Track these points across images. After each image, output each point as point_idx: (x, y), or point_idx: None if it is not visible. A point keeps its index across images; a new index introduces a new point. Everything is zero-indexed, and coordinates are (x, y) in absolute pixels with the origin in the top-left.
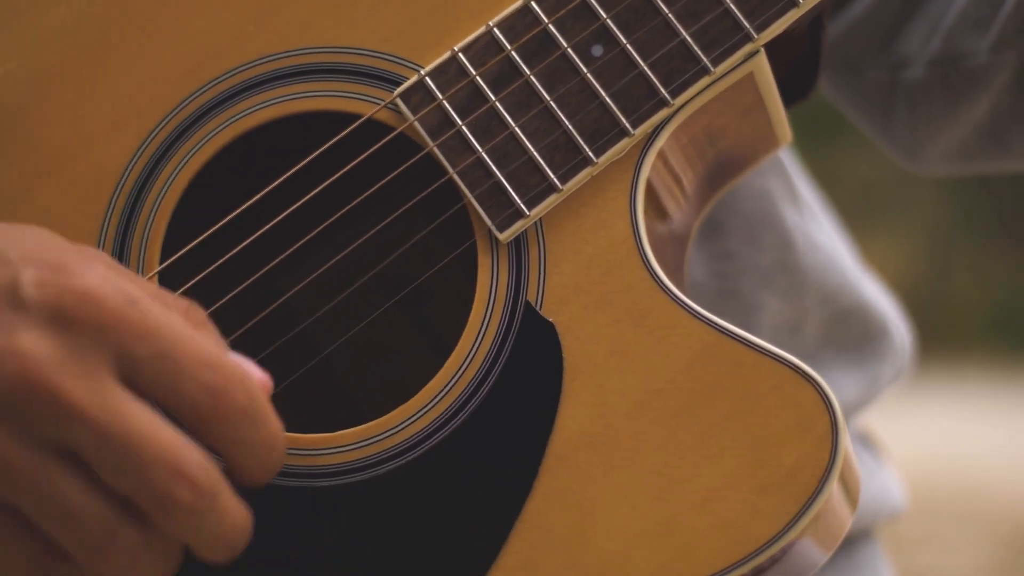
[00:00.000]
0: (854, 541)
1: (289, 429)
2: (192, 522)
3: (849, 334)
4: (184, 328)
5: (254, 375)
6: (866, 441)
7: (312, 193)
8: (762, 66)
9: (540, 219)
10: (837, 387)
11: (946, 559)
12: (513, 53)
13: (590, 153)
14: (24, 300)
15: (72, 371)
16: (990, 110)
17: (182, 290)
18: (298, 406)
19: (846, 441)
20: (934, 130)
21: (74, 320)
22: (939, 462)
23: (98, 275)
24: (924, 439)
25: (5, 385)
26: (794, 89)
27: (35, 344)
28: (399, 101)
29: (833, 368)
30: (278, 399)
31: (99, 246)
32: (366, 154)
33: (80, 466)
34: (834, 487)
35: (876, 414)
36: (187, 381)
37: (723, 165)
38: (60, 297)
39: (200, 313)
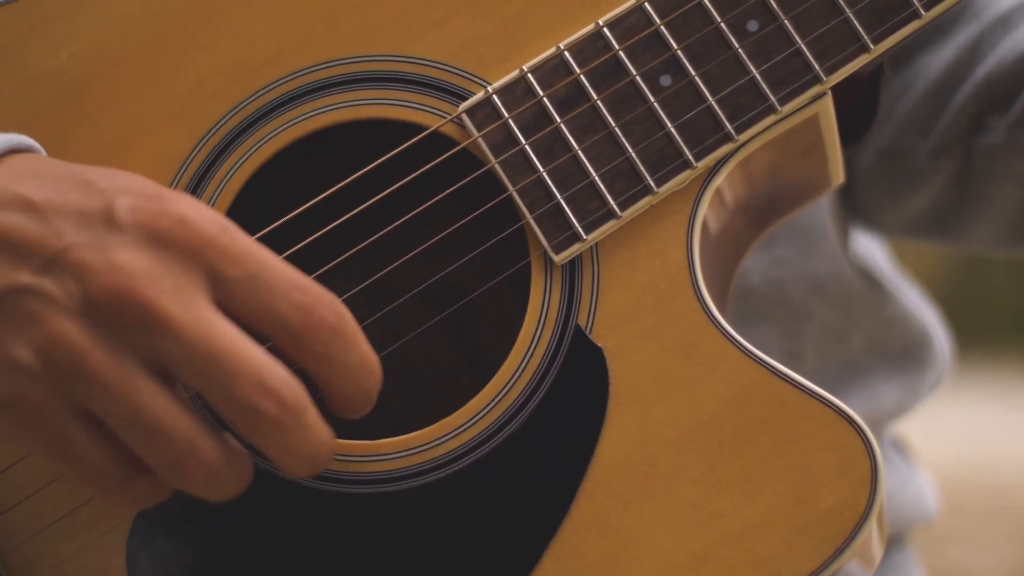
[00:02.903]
0: (887, 546)
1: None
2: (277, 436)
3: (893, 342)
4: (272, 254)
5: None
6: (899, 447)
7: (370, 202)
8: (827, 109)
9: (595, 244)
10: (878, 394)
11: (977, 556)
12: (582, 77)
13: (651, 182)
14: (120, 223)
15: (166, 286)
16: (933, 203)
17: None
18: None
19: (885, 486)
20: (882, 209)
21: (169, 241)
22: (971, 459)
23: (190, 204)
24: (957, 436)
25: (101, 297)
26: (849, 131)
27: (130, 259)
28: (464, 116)
29: (875, 375)
30: (322, 405)
31: None
32: (430, 165)
33: (167, 381)
34: (871, 530)
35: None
36: (278, 300)
37: (776, 202)
38: (156, 220)
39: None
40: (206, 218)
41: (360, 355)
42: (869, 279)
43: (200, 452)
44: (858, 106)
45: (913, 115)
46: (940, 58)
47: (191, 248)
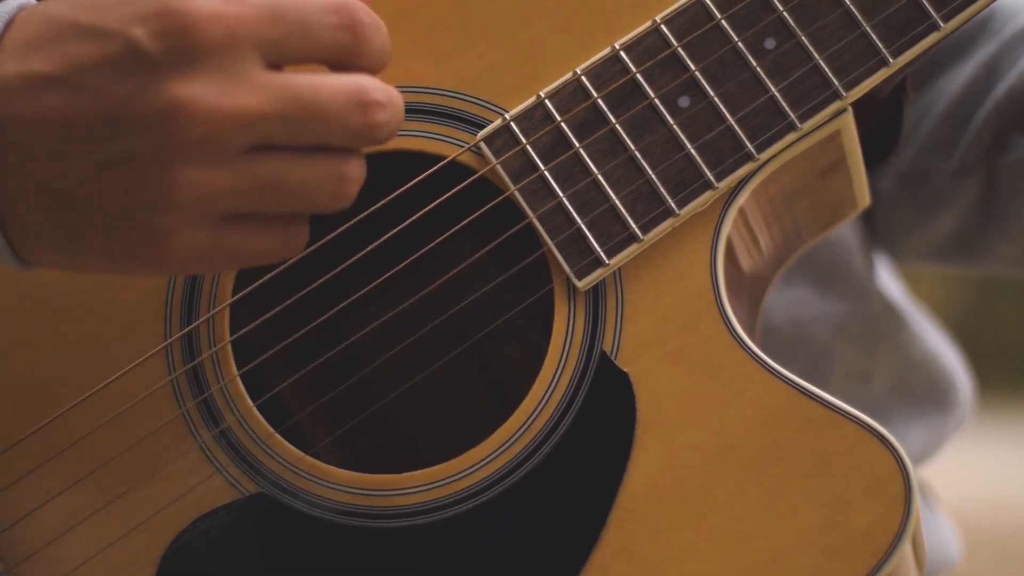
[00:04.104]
0: None
1: (353, 470)
2: (389, 131)
3: (917, 385)
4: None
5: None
6: (923, 494)
7: (390, 234)
8: (849, 125)
9: (619, 268)
10: (902, 438)
11: None
12: (599, 101)
13: (673, 204)
14: (151, 57)
15: (230, 89)
16: (957, 225)
17: (250, 327)
18: (363, 447)
19: (918, 505)
20: (905, 234)
21: (205, 47)
22: (985, 499)
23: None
24: (969, 476)
25: (187, 135)
26: (875, 152)
27: (186, 89)
28: (482, 144)
29: (899, 419)
30: (344, 440)
31: (170, 277)
32: (448, 194)
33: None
34: (905, 551)
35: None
36: (322, 31)
37: (801, 225)
38: (183, 35)
39: None
40: (219, 5)
41: (385, 34)
42: (893, 319)
43: (346, 168)
44: (882, 126)
45: (934, 135)
46: (959, 77)
47: (228, 39)
